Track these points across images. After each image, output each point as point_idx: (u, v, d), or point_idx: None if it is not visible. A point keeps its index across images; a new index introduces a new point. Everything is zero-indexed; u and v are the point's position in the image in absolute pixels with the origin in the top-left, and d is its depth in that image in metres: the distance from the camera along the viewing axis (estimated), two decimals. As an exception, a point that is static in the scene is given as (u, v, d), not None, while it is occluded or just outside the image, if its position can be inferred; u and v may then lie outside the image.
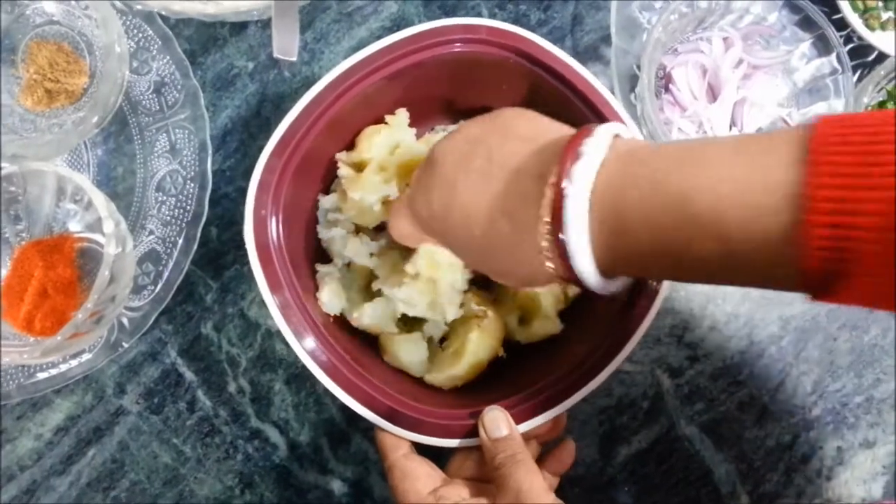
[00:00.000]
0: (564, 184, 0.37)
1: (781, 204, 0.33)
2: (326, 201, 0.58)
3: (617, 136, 0.40)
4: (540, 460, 0.53)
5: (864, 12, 0.66)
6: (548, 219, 0.38)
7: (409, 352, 0.56)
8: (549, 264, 0.40)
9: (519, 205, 0.40)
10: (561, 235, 0.38)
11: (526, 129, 0.43)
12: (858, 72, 0.64)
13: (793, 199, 0.32)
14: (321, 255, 0.59)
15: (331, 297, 0.55)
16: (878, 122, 0.32)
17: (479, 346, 0.54)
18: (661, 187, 0.36)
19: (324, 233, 0.58)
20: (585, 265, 0.38)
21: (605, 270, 0.39)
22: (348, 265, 0.58)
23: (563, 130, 0.43)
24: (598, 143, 0.39)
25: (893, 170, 0.31)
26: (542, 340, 0.57)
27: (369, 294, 0.58)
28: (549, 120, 0.45)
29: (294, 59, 0.57)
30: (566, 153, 0.38)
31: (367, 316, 0.55)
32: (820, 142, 0.33)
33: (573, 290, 0.57)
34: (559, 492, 0.52)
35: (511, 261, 0.42)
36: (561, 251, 0.38)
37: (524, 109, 0.47)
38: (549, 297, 0.56)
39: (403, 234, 0.50)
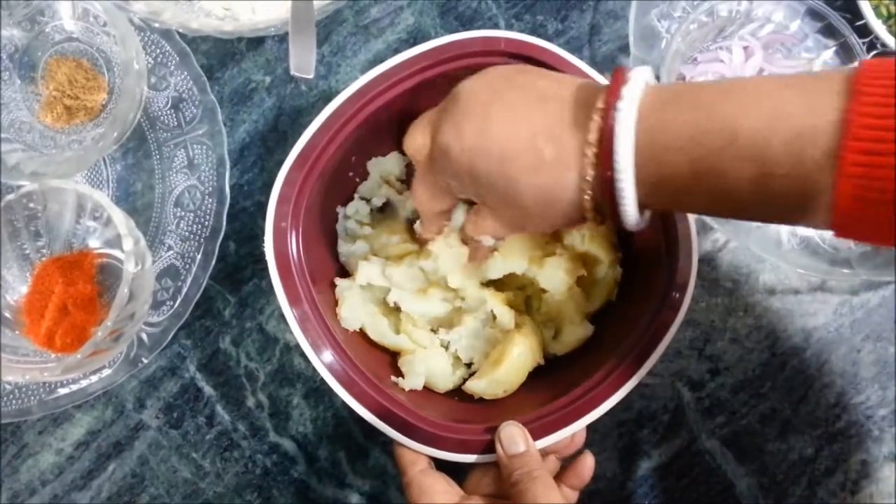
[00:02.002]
0: (616, 103, 0.38)
1: (822, 130, 0.33)
2: (350, 208, 0.59)
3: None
4: (559, 475, 0.52)
5: (888, 19, 0.65)
6: (594, 143, 0.39)
7: (432, 365, 0.56)
8: (587, 194, 0.40)
9: (564, 130, 0.40)
10: (610, 163, 0.38)
11: (553, 75, 0.45)
12: (882, 79, 0.63)
13: (834, 125, 0.33)
14: (340, 268, 0.59)
15: (350, 313, 0.55)
16: None
17: (521, 350, 0.54)
18: (704, 110, 0.37)
19: (343, 247, 0.58)
20: (628, 193, 0.39)
21: (641, 201, 0.40)
22: None
23: (586, 79, 0.44)
24: (642, 73, 0.40)
25: None
26: (569, 353, 0.57)
27: (389, 308, 0.58)
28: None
29: (311, 76, 0.57)
30: (616, 77, 0.39)
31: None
32: (867, 74, 0.33)
33: (597, 299, 0.57)
34: (578, 507, 0.52)
35: (546, 193, 0.42)
36: (605, 178, 0.39)
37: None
38: (571, 303, 0.56)
39: (434, 193, 0.48)
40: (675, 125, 0.38)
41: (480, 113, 0.43)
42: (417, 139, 0.48)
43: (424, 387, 0.56)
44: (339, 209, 0.59)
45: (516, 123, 0.42)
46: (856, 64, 0.35)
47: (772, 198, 0.36)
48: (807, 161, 0.34)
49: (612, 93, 0.39)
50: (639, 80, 0.39)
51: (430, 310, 0.56)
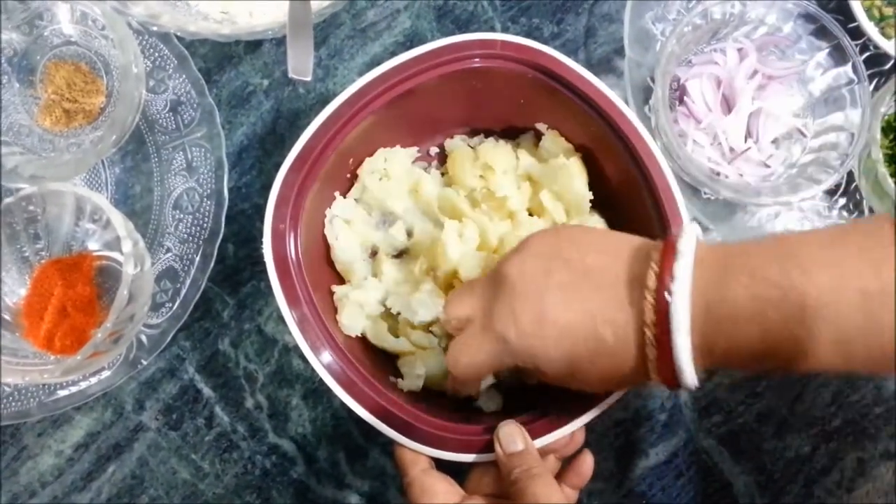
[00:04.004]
0: (668, 283, 0.38)
1: (889, 287, 0.33)
2: (336, 207, 0.58)
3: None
4: (558, 474, 0.52)
5: (880, 21, 0.65)
6: (652, 325, 0.39)
7: (432, 366, 0.56)
8: (652, 372, 0.41)
9: (617, 311, 0.41)
10: (669, 346, 0.38)
11: (599, 242, 0.45)
12: (875, 81, 0.64)
13: None
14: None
15: (350, 319, 0.55)
16: None
17: None
18: (766, 282, 0.37)
19: (338, 254, 0.58)
20: (686, 364, 0.39)
21: (704, 366, 0.40)
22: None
23: (634, 239, 0.44)
24: (691, 242, 0.40)
25: None
26: None
27: (387, 313, 0.58)
28: (609, 232, 0.46)
29: (309, 79, 0.57)
30: (666, 253, 0.40)
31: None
32: None
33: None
34: (577, 506, 0.53)
35: (609, 372, 0.43)
36: (664, 354, 0.39)
37: (580, 225, 0.49)
38: None
39: (479, 365, 0.47)
40: (735, 299, 0.38)
41: (535, 298, 0.43)
42: (464, 310, 0.48)
43: (423, 387, 0.56)
44: (327, 211, 0.58)
45: (572, 307, 0.42)
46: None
47: (850, 356, 0.36)
48: (880, 316, 0.34)
49: (664, 271, 0.39)
50: (688, 251, 0.39)
51: (431, 315, 0.57)
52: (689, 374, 0.39)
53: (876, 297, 0.34)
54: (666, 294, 0.38)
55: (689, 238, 0.40)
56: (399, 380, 0.55)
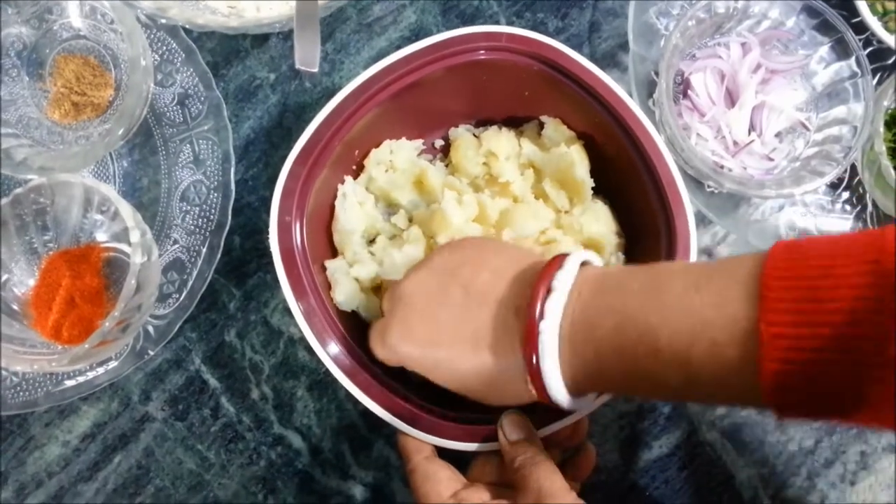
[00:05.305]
0: (537, 319, 0.41)
1: (737, 339, 0.35)
2: (347, 185, 0.59)
3: (584, 263, 0.44)
4: (561, 467, 0.52)
5: (884, 15, 0.65)
6: (524, 350, 0.42)
7: None
8: (530, 388, 0.43)
9: (501, 336, 0.44)
10: (536, 364, 0.41)
11: (496, 261, 0.47)
12: (878, 75, 0.64)
13: (747, 334, 0.35)
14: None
15: (344, 295, 0.55)
16: (827, 255, 0.34)
17: None
18: (628, 322, 0.39)
19: (343, 223, 0.58)
20: (558, 390, 0.42)
21: (577, 391, 0.43)
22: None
23: (531, 258, 0.46)
24: (567, 277, 0.42)
25: (839, 307, 0.33)
26: None
27: (380, 288, 0.58)
28: (514, 248, 0.49)
29: (316, 70, 0.58)
30: (537, 289, 0.42)
31: None
32: (771, 276, 0.35)
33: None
34: (580, 497, 0.53)
35: (496, 386, 0.45)
36: (536, 378, 0.42)
37: (485, 238, 0.52)
38: None
39: (384, 360, 0.49)
40: (601, 336, 0.40)
41: (429, 317, 0.45)
42: (384, 304, 0.50)
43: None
44: (339, 186, 0.58)
45: (463, 330, 0.45)
46: (766, 249, 0.37)
47: (704, 392, 0.39)
48: (729, 364, 0.36)
49: (533, 306, 0.41)
50: (562, 286, 0.42)
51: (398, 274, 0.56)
52: (563, 399, 0.43)
53: (721, 346, 0.36)
54: (536, 328, 0.41)
55: (566, 273, 0.42)
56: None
